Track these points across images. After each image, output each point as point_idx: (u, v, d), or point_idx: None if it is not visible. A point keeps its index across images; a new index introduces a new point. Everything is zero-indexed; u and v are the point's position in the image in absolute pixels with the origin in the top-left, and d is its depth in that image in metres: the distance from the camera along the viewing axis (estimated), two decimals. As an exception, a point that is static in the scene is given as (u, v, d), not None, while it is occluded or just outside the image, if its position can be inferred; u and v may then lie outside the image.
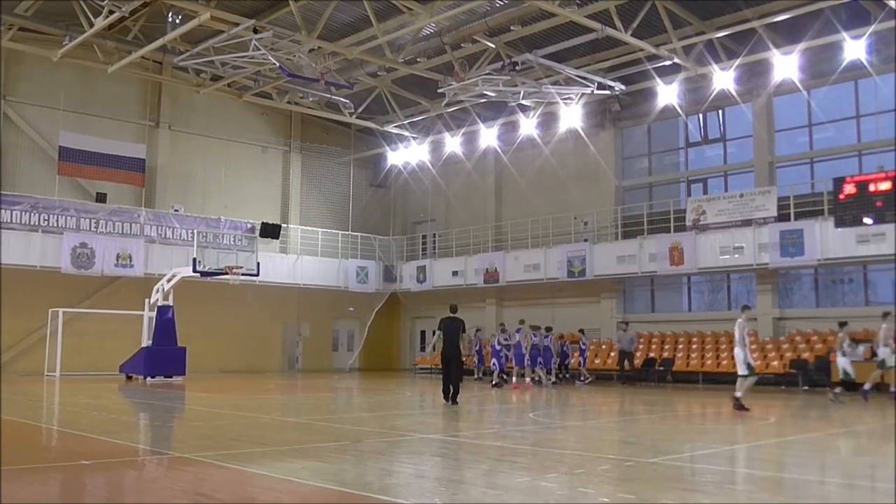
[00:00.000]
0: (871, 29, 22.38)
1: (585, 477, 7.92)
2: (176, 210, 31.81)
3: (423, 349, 37.69)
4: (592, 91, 27.25)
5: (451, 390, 16.95)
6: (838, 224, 24.21)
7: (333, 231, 36.33)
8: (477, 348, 29.85)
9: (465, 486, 7.47)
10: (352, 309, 36.81)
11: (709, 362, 26.89)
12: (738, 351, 16.18)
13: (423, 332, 38.41)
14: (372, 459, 9.02)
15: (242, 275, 27.40)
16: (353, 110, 32.30)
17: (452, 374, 17.12)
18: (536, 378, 26.31)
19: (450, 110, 31.88)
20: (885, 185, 23.52)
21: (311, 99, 31.41)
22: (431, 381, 28.37)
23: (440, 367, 17.87)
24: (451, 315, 17.45)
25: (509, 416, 16.29)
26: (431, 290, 35.67)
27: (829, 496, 7.38)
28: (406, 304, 38.28)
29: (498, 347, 27.01)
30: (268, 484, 7.39)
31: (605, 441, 11.92)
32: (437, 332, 17.53)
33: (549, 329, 27.38)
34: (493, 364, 26.74)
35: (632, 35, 23.43)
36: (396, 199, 40.53)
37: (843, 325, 19.88)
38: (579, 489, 7.31)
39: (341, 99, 30.73)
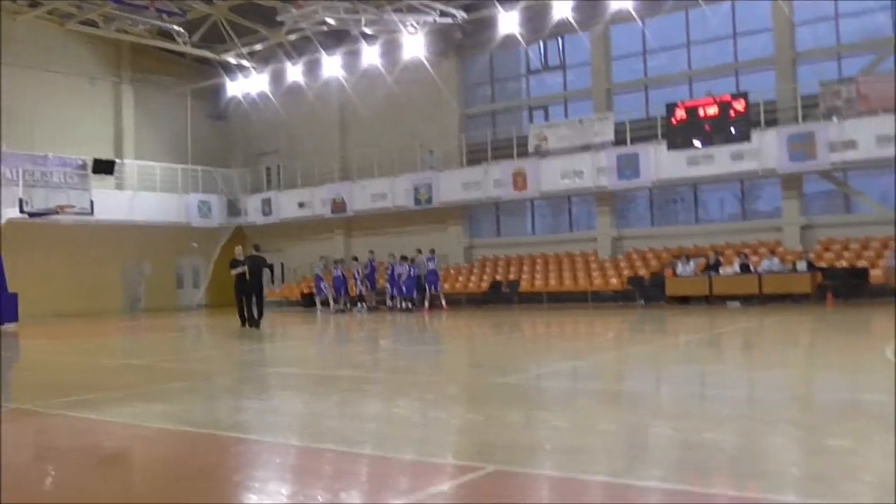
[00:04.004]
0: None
1: (436, 401, 8.09)
2: (-2, 148, 29.76)
3: (271, 282, 37.20)
4: (435, 19, 27.13)
5: (257, 316, 19.38)
6: (671, 147, 25.38)
7: (172, 165, 35.03)
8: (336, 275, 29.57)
9: (317, 417, 7.50)
10: (195, 245, 35.76)
11: (553, 282, 27.86)
12: None
13: (271, 266, 37.71)
14: (221, 397, 8.90)
15: (75, 214, 26.09)
16: (187, 39, 30.93)
17: (257, 303, 19.54)
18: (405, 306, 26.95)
19: (290, 38, 31.04)
20: (713, 110, 24.77)
21: (141, 27, 29.81)
22: (281, 315, 28.18)
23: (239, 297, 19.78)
24: (256, 253, 19.93)
25: (360, 345, 16.40)
26: (278, 223, 35.21)
27: (662, 406, 7.85)
28: (252, 238, 37.45)
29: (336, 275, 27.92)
30: (113, 430, 7.16)
31: (454, 365, 12.19)
32: (242, 267, 19.55)
33: (432, 251, 27.86)
34: (323, 290, 28.42)
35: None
36: (238, 131, 39.37)
37: None
38: (430, 413, 7.47)
39: (174, 27, 29.35)
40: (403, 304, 27.02)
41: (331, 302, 28.58)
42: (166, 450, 6.32)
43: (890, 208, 24.33)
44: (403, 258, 27.50)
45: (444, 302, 26.92)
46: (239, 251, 20.75)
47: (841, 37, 25.94)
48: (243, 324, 19.65)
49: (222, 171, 36.73)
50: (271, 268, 20.74)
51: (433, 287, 27.00)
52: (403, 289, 27.08)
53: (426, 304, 26.79)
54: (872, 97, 23.18)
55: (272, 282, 19.18)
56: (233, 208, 36.17)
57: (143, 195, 33.29)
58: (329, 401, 8.47)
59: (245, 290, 19.41)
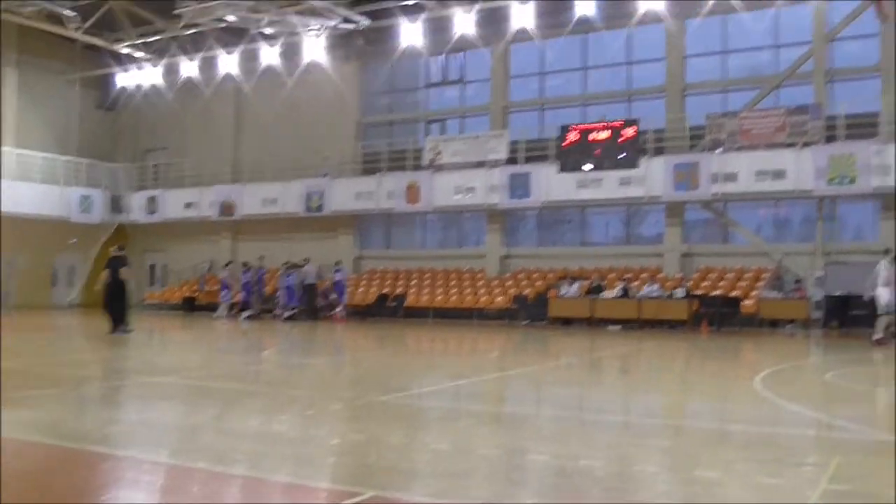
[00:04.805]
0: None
1: (317, 417, 8.00)
2: None
3: (152, 284, 36.19)
4: (337, 24, 26.99)
5: (121, 319, 18.30)
6: (562, 169, 25.92)
7: (54, 156, 33.57)
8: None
9: (193, 432, 7.30)
10: (74, 240, 34.36)
11: (439, 298, 27.98)
12: (882, 291, 16.90)
13: (152, 267, 36.82)
14: (93, 407, 8.57)
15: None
16: (79, 25, 29.72)
17: (117, 306, 18.41)
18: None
19: (187, 33, 30.29)
20: (604, 135, 25.42)
21: (29, 9, 28.47)
22: (160, 318, 27.43)
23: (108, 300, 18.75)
24: (118, 253, 19.17)
25: (241, 355, 16.09)
26: (163, 222, 34.26)
27: (542, 430, 7.96)
28: (134, 237, 36.29)
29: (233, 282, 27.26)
30: (-28, 438, 6.79)
31: (337, 379, 12.09)
32: (107, 270, 18.64)
33: (339, 262, 28.34)
34: (226, 298, 27.01)
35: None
36: (127, 124, 38.08)
37: (888, 253, 18.12)
38: (311, 430, 7.37)
39: (66, 11, 28.17)
40: (286, 313, 26.79)
41: (223, 309, 27.92)
42: (30, 464, 6.02)
43: (764, 241, 25.49)
44: (294, 266, 27.33)
45: (321, 312, 26.90)
46: (114, 251, 19.96)
47: (728, 72, 27.08)
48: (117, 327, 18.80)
49: (107, 165, 35.46)
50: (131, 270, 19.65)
51: (340, 297, 27.17)
52: (285, 296, 27.02)
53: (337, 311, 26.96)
54: (754, 132, 24.24)
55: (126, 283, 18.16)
56: (116, 205, 34.97)
57: (20, 185, 31.76)
58: (206, 414, 8.26)
59: (110, 292, 18.71)
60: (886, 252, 18.12)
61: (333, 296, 27.38)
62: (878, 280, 17.14)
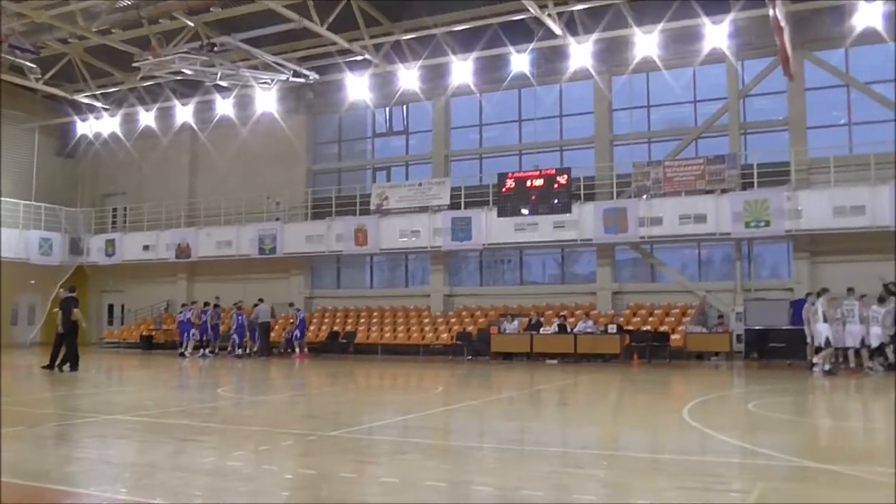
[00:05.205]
0: (533, 45, 24.39)
1: (270, 453, 7.88)
2: None
3: (110, 323, 35.45)
4: (288, 78, 27.04)
5: (70, 358, 18.05)
6: (500, 214, 26.15)
7: (14, 200, 32.81)
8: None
9: (150, 469, 7.13)
10: (33, 282, 33.52)
11: (387, 335, 27.87)
12: (822, 326, 17.33)
13: (111, 307, 36.09)
14: (52, 446, 8.33)
15: None
16: (39, 76, 29.24)
17: (67, 346, 18.19)
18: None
19: (144, 84, 30.04)
20: (539, 182, 25.76)
21: (-1, 63, 27.92)
22: (119, 356, 26.81)
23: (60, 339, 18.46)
24: (70, 294, 18.89)
25: (198, 392, 15.80)
26: (120, 264, 33.63)
27: (485, 460, 7.95)
28: (93, 278, 35.58)
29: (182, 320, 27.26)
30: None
31: (290, 415, 11.93)
32: (58, 310, 18.55)
33: (292, 304, 28.16)
34: (188, 336, 26.92)
35: (327, 29, 23.53)
36: (86, 170, 37.48)
37: (825, 291, 18.71)
38: (264, 466, 7.26)
39: (27, 63, 27.70)
40: (239, 351, 26.47)
41: (188, 347, 27.14)
42: (-12, 504, 5.83)
43: (689, 279, 25.97)
44: (254, 306, 27.12)
45: (279, 349, 26.68)
46: (65, 293, 19.51)
47: (652, 124, 27.70)
48: (50, 366, 18.18)
49: (67, 210, 34.77)
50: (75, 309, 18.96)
51: (300, 335, 26.92)
52: (236, 336, 26.75)
53: (297, 350, 26.55)
54: (676, 180, 24.78)
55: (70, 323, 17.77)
56: (75, 247, 34.23)
57: (-18, 230, 30.93)
58: (163, 451, 8.09)
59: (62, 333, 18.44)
60: (823, 291, 18.60)
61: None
62: (819, 316, 17.65)
